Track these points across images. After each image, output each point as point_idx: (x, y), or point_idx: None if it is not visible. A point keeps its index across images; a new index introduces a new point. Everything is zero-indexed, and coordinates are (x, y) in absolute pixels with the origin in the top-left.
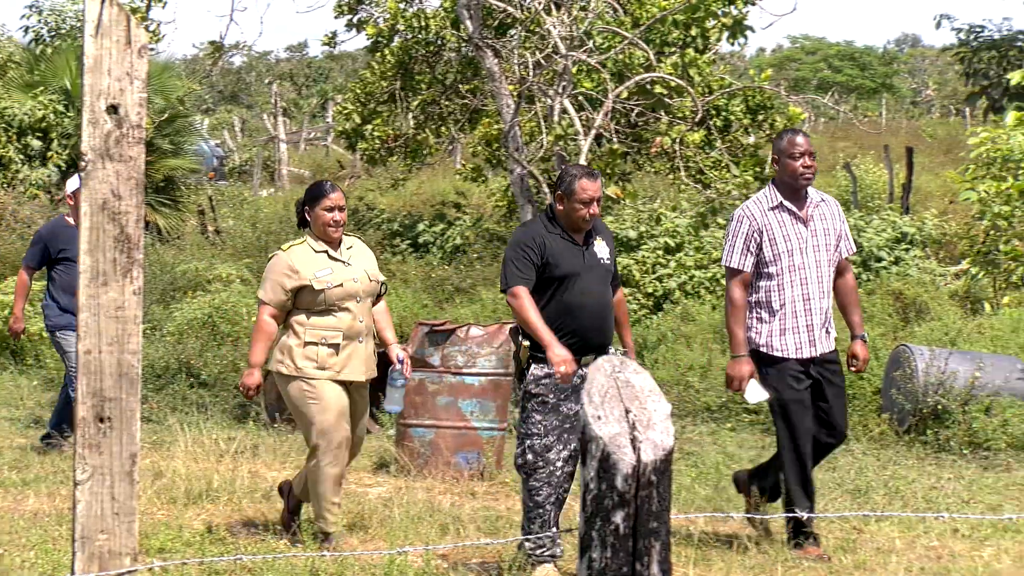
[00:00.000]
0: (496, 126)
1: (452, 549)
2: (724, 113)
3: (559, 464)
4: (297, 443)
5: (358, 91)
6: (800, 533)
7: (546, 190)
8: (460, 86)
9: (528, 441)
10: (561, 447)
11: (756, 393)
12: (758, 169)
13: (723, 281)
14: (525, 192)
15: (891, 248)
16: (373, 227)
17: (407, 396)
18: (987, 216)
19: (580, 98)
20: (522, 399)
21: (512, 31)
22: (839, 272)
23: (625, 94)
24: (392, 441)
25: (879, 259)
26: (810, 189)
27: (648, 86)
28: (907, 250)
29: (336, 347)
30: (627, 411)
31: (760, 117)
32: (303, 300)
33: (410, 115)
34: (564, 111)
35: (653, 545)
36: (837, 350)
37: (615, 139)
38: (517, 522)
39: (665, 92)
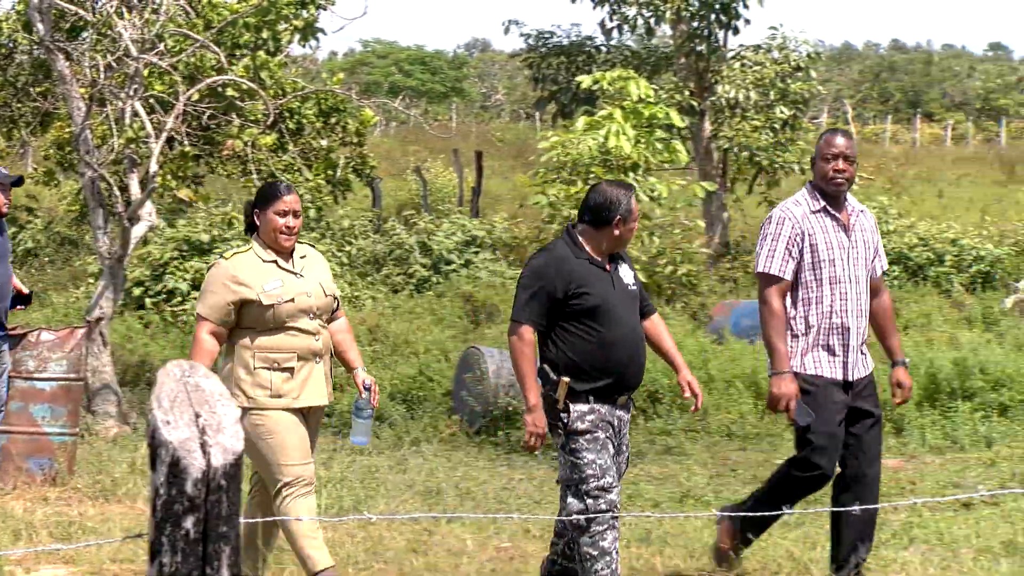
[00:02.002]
0: (68, 129)
1: (24, 555)
2: (297, 116)
3: (618, 505)
4: None
5: None
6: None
7: (117, 193)
8: (32, 89)
9: (584, 486)
10: (618, 487)
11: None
12: (330, 172)
13: None
14: (96, 196)
15: (461, 251)
16: None
17: None
18: (557, 220)
19: (152, 101)
20: (565, 442)
21: (84, 34)
22: (874, 291)
23: (197, 96)
24: None
25: (448, 262)
26: (849, 196)
27: (220, 89)
28: (477, 253)
29: (291, 370)
30: (197, 416)
31: (332, 120)
32: (249, 318)
33: None
34: (135, 114)
35: (223, 549)
36: (873, 374)
37: (187, 142)
38: (91, 527)
39: (237, 95)
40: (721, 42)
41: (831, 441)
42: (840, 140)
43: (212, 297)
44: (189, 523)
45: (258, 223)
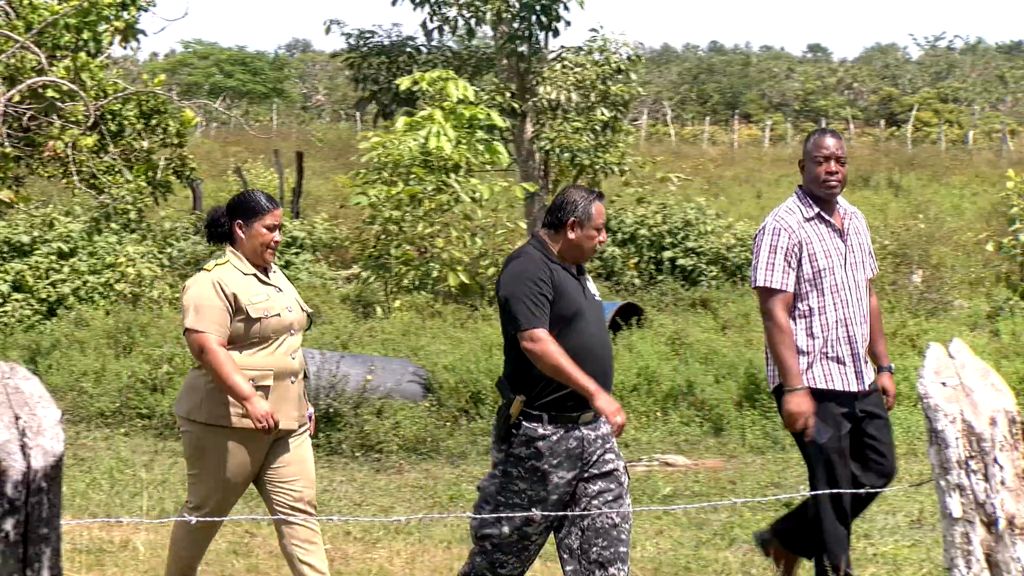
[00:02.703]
0: None
1: None
2: (118, 117)
3: (535, 538)
4: None
5: None
6: None
7: None
8: None
9: (507, 510)
10: (543, 521)
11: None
12: (151, 173)
13: (118, 287)
14: None
15: (281, 252)
16: None
17: None
18: (378, 220)
19: None
20: (503, 461)
21: None
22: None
23: (17, 98)
24: None
25: None
26: (840, 199)
27: (40, 90)
28: (297, 254)
29: (266, 389)
30: (17, 417)
31: (154, 122)
32: (232, 333)
33: None
34: None
35: (44, 551)
36: (875, 381)
37: (7, 143)
38: None
39: (58, 96)
40: (542, 44)
41: (839, 456)
42: (830, 141)
43: (208, 309)
44: (9, 525)
45: (240, 235)
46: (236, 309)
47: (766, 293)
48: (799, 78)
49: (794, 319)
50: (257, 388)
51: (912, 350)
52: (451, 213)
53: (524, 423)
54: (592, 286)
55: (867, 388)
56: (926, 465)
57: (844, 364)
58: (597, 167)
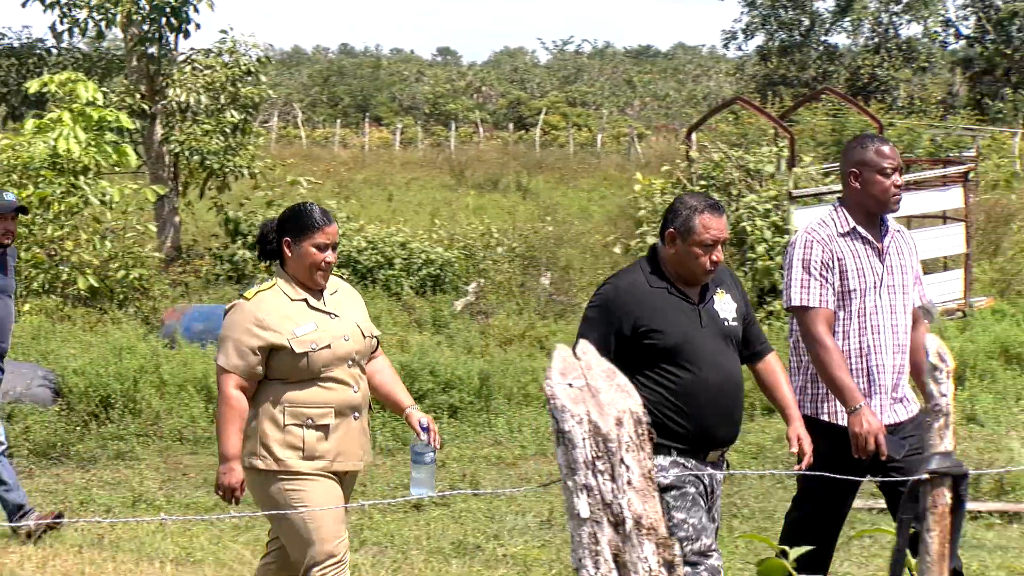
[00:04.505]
0: None
1: None
2: None
3: (720, 571)
4: None
5: None
6: None
7: None
8: None
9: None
10: (718, 552)
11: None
12: None
13: None
14: None
15: None
16: None
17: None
18: None
19: None
20: None
21: None
22: (914, 322)
23: None
24: None
25: None
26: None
27: None
28: None
29: (326, 428)
30: None
31: None
32: (279, 368)
33: None
34: None
35: None
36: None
37: None
38: None
39: None
40: (172, 45)
41: (848, 497)
42: (892, 150)
43: (235, 345)
44: None
45: (288, 254)
46: (277, 346)
47: (803, 313)
48: (429, 81)
49: None
50: (316, 427)
51: (541, 352)
52: (80, 216)
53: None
54: (727, 308)
55: (890, 424)
56: (555, 466)
57: (869, 397)
58: (227, 170)
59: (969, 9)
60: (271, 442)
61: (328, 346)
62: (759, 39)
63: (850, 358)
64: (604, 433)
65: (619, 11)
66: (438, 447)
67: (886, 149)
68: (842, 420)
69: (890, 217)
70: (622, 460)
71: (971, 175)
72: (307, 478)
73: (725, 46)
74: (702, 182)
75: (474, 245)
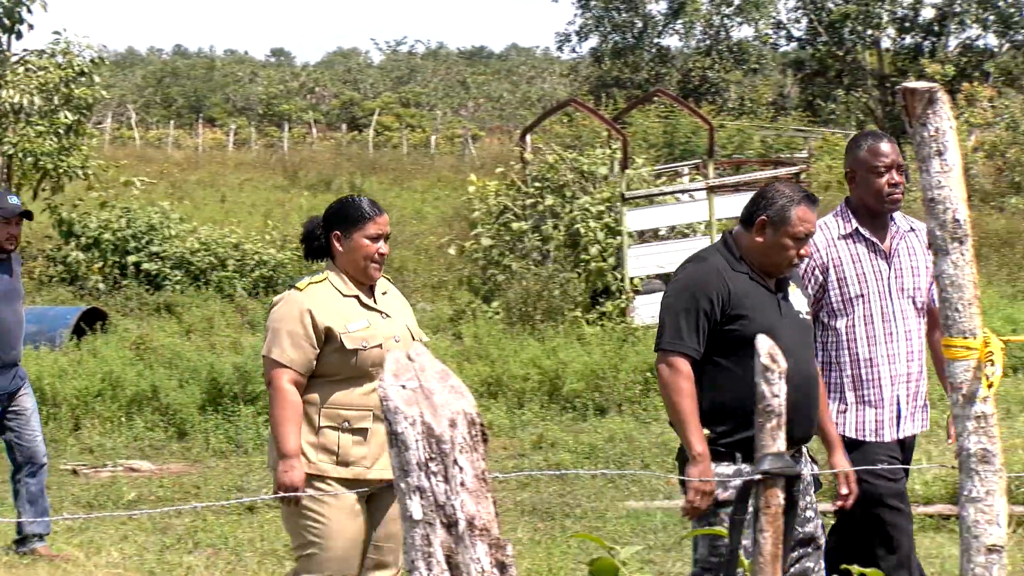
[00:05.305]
0: None
1: None
2: None
3: None
4: None
5: None
6: None
7: None
8: None
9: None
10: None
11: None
12: None
13: None
14: None
15: None
16: None
17: None
18: None
19: None
20: (708, 513)
21: None
22: (931, 325)
23: None
24: None
25: None
26: (896, 214)
27: None
28: None
29: (364, 432)
30: None
31: None
32: (324, 364)
33: None
34: None
35: None
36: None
37: None
38: None
39: None
40: (5, 46)
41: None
42: (886, 146)
43: (290, 337)
44: None
45: (338, 248)
46: (328, 339)
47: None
48: (263, 82)
49: (822, 353)
50: (353, 431)
51: None
52: None
53: (715, 463)
54: (798, 302)
55: (908, 437)
56: None
57: (880, 408)
58: (61, 171)
59: (800, 12)
60: (304, 443)
61: (379, 345)
62: (593, 41)
63: (867, 366)
64: (437, 434)
65: (452, 11)
66: None
67: (881, 147)
68: (848, 432)
69: (904, 216)
70: (455, 461)
71: (803, 176)
72: (333, 498)
73: (559, 48)
74: (536, 184)
75: None
